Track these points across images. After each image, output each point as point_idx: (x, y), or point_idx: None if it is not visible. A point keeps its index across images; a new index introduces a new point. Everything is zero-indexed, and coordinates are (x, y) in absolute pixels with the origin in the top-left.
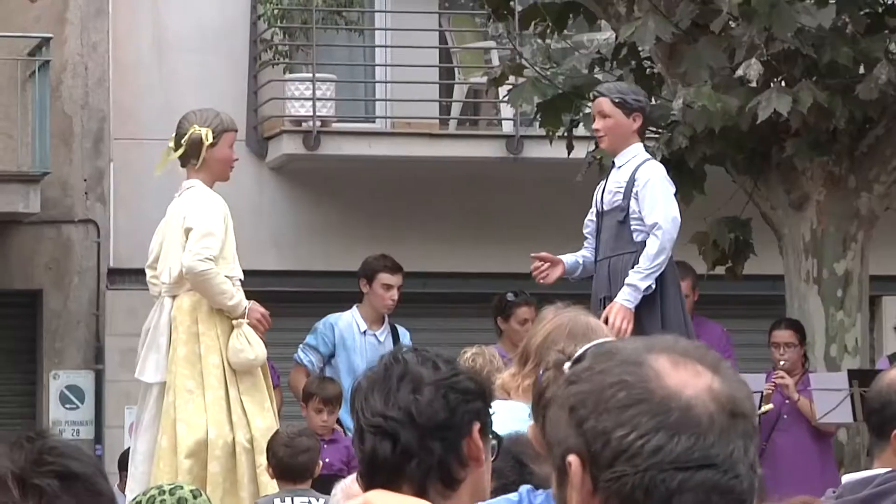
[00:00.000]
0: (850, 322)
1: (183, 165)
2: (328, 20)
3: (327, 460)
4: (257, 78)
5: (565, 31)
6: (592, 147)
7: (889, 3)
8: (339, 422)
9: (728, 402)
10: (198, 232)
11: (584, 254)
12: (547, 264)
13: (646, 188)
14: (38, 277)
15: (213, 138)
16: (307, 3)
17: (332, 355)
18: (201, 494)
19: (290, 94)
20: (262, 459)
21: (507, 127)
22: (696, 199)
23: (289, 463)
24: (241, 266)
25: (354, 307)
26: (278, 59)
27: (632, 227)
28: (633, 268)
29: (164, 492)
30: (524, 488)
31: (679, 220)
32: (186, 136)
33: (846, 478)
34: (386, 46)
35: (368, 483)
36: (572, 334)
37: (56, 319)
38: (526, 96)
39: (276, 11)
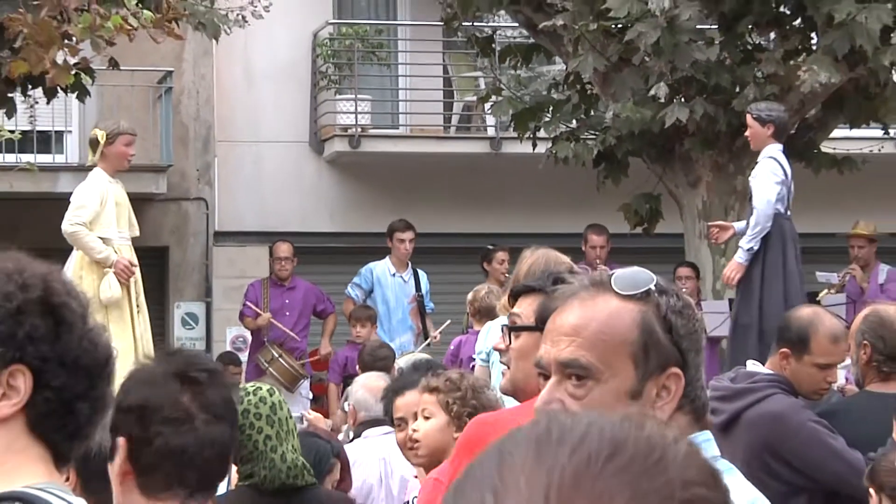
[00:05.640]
0: None
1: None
2: (366, 57)
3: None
4: (316, 98)
5: (531, 64)
6: (550, 145)
7: (756, 42)
8: None
9: None
10: (73, 204)
11: None
12: (718, 229)
13: (753, 179)
14: (165, 238)
15: (109, 139)
16: (351, 46)
17: (371, 291)
18: (276, 392)
19: (339, 109)
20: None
21: (491, 131)
22: (623, 182)
23: (372, 367)
24: (306, 229)
25: (387, 257)
26: (331, 85)
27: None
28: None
29: (248, 392)
30: None
31: (773, 200)
32: (91, 138)
33: (749, 365)
34: (406, 76)
35: None
36: (548, 263)
37: (178, 267)
38: (504, 109)
39: (329, 51)
